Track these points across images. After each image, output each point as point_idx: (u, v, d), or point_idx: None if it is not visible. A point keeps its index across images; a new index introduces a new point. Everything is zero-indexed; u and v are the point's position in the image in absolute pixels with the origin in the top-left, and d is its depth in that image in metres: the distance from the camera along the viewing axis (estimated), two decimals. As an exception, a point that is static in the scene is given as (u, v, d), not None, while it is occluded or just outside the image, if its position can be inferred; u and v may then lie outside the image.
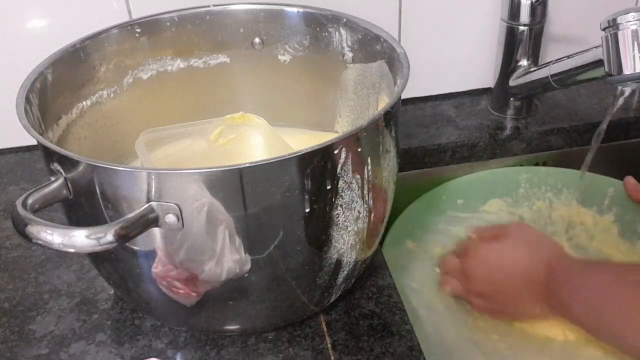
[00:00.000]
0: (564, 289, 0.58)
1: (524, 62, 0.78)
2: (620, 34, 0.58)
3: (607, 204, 0.76)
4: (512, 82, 0.80)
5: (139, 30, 0.60)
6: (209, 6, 0.62)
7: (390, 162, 0.51)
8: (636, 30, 0.57)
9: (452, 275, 0.68)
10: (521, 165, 0.82)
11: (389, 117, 0.48)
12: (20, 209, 0.41)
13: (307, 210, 0.45)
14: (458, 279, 0.67)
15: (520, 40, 0.77)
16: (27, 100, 0.49)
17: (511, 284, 0.62)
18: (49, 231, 0.40)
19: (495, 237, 0.66)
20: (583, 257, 0.69)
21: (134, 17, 0.71)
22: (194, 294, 0.48)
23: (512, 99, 0.82)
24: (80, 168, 0.43)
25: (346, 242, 0.49)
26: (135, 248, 0.46)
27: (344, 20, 0.59)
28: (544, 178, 0.79)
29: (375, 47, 0.57)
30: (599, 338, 0.58)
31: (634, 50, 0.58)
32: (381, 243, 0.64)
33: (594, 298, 0.56)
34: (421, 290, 0.69)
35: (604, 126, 0.66)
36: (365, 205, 0.49)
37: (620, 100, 0.64)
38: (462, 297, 0.67)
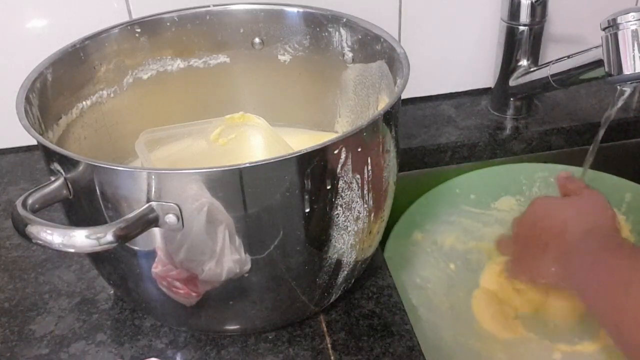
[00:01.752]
0: (582, 263, 0.57)
1: (524, 62, 0.78)
2: (620, 34, 0.58)
3: (623, 210, 0.75)
4: (512, 82, 0.80)
5: (139, 30, 0.60)
6: (209, 6, 0.62)
7: (390, 162, 0.51)
8: (636, 30, 0.57)
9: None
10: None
11: (389, 117, 0.48)
12: (20, 209, 0.41)
13: (307, 210, 0.45)
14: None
15: (520, 40, 0.77)
16: (27, 100, 0.49)
17: (547, 236, 0.62)
18: (49, 231, 0.40)
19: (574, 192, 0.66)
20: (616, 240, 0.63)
21: (134, 17, 0.71)
22: (194, 294, 0.48)
23: (512, 99, 0.81)
24: (80, 168, 0.43)
25: (346, 242, 0.49)
26: (135, 248, 0.46)
27: (344, 20, 0.59)
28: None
29: (375, 47, 0.57)
30: (601, 323, 0.57)
31: (634, 50, 0.58)
32: (382, 243, 0.64)
33: (603, 280, 0.55)
34: (424, 287, 0.68)
35: (603, 126, 0.66)
36: (365, 205, 0.49)
37: (620, 100, 0.64)
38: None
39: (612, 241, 0.59)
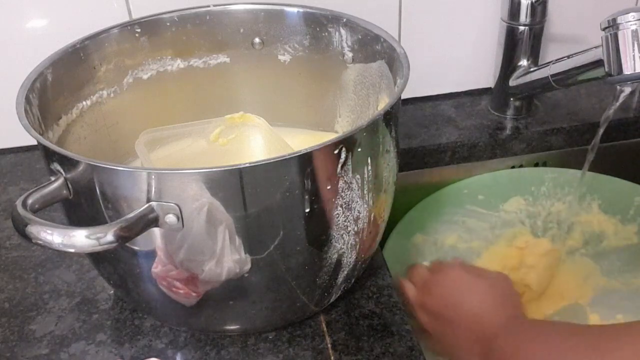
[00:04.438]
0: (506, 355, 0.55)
1: (524, 62, 0.78)
2: (620, 34, 0.58)
3: (632, 214, 0.74)
4: (512, 82, 0.80)
5: (139, 30, 0.60)
6: (209, 6, 0.62)
7: (390, 162, 0.51)
8: (636, 30, 0.57)
9: (415, 283, 0.65)
10: (521, 166, 0.82)
11: (389, 117, 0.48)
12: (20, 209, 0.41)
13: (307, 210, 0.45)
14: (419, 288, 0.64)
15: (520, 40, 0.77)
16: (27, 100, 0.49)
17: (464, 320, 0.59)
18: (49, 231, 0.40)
19: (477, 273, 0.64)
20: (535, 322, 0.62)
21: (134, 17, 0.71)
22: (194, 294, 0.48)
23: (512, 99, 0.81)
24: (80, 168, 0.43)
25: (346, 242, 0.49)
26: (135, 248, 0.46)
27: (344, 20, 0.59)
28: (569, 180, 0.77)
29: (375, 47, 0.57)
30: None
31: (634, 50, 0.58)
32: (382, 243, 0.64)
33: None
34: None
35: (602, 126, 0.66)
36: (365, 205, 0.49)
37: (620, 99, 0.64)
38: (411, 307, 0.64)
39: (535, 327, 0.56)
